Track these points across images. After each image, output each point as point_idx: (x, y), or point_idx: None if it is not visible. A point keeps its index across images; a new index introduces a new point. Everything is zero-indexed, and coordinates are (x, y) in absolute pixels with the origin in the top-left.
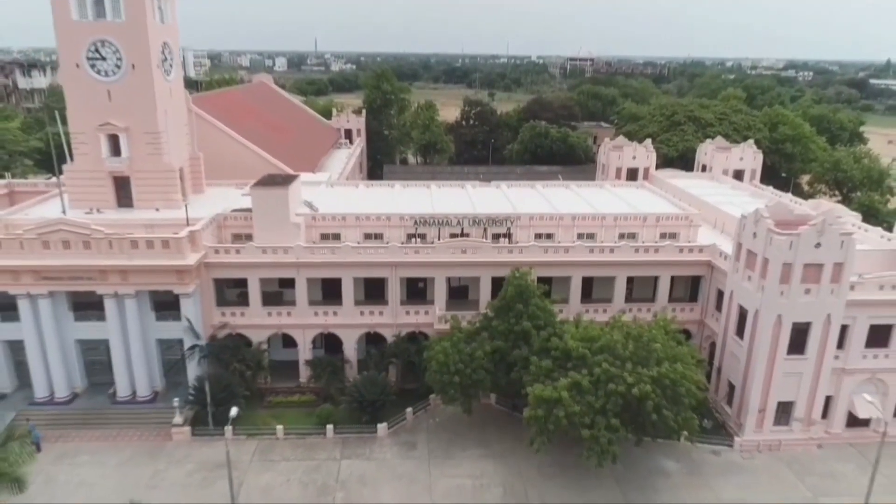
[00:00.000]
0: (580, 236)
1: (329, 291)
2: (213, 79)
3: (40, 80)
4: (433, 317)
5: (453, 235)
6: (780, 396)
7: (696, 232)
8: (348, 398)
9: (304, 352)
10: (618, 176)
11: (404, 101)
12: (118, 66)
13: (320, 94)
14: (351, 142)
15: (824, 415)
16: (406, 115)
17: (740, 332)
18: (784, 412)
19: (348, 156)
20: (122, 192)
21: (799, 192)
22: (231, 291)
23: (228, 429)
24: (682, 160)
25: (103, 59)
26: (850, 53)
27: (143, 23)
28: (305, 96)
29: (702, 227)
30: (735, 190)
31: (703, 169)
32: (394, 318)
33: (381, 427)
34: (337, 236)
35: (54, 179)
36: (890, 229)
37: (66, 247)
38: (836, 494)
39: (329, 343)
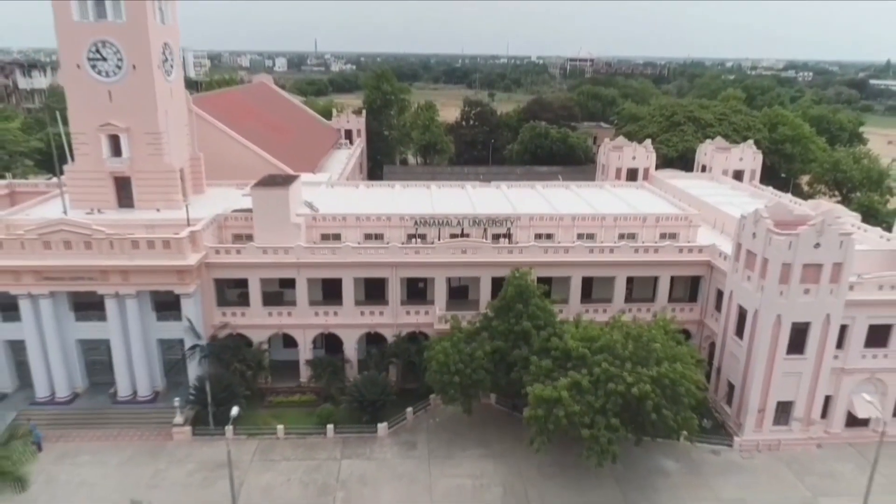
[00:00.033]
0: (580, 236)
1: (329, 292)
2: (213, 79)
3: (40, 81)
4: (433, 317)
5: (453, 236)
6: (779, 396)
7: (695, 232)
8: (349, 398)
9: (305, 352)
10: (617, 176)
11: (404, 102)
12: (119, 67)
13: (320, 95)
14: (351, 142)
15: (823, 414)
16: (406, 116)
17: (740, 332)
18: (783, 412)
19: (348, 156)
20: (123, 192)
21: (799, 193)
22: (232, 291)
23: (229, 428)
24: (681, 160)
25: (104, 59)
26: (850, 54)
27: (144, 24)
28: (305, 97)
29: (701, 228)
30: (735, 190)
31: (703, 169)
32: (394, 319)
33: (382, 427)
34: (337, 237)
35: (55, 180)
36: (889, 229)
37: (68, 247)
38: (836, 494)
39: (329, 343)
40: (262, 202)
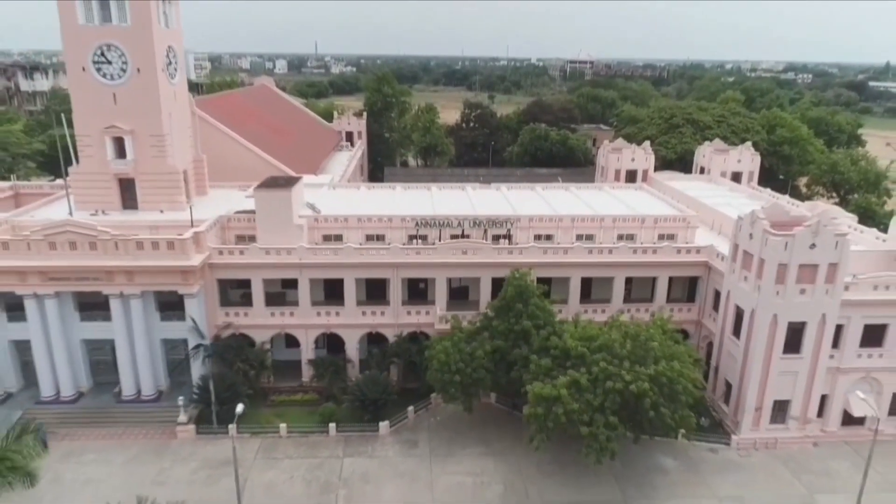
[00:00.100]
0: (579, 237)
1: (331, 292)
2: (214, 81)
3: (42, 83)
4: (434, 317)
5: (454, 237)
6: (776, 395)
7: (693, 233)
8: (350, 397)
9: (307, 351)
10: (617, 178)
11: (405, 104)
12: (124, 70)
13: (321, 97)
14: (352, 144)
15: (820, 413)
16: (407, 118)
17: (737, 331)
18: (780, 410)
19: (349, 158)
20: (127, 193)
21: (797, 194)
22: (235, 292)
23: (233, 426)
24: (680, 162)
25: (109, 62)
26: (849, 56)
27: (149, 27)
28: (306, 99)
29: (699, 229)
30: (733, 192)
31: (702, 171)
32: (395, 319)
33: (383, 425)
34: (339, 238)
35: (59, 181)
36: (885, 231)
37: (73, 248)
38: (832, 491)
39: (331, 343)
40: (265, 204)
